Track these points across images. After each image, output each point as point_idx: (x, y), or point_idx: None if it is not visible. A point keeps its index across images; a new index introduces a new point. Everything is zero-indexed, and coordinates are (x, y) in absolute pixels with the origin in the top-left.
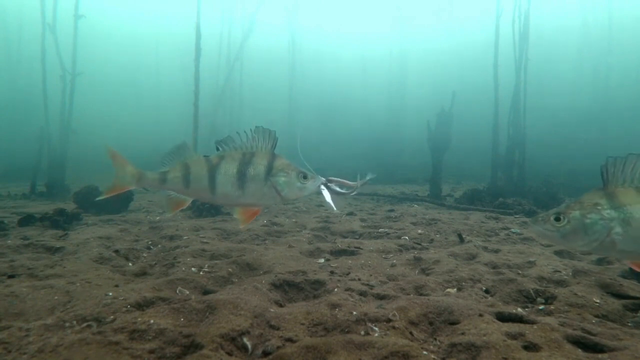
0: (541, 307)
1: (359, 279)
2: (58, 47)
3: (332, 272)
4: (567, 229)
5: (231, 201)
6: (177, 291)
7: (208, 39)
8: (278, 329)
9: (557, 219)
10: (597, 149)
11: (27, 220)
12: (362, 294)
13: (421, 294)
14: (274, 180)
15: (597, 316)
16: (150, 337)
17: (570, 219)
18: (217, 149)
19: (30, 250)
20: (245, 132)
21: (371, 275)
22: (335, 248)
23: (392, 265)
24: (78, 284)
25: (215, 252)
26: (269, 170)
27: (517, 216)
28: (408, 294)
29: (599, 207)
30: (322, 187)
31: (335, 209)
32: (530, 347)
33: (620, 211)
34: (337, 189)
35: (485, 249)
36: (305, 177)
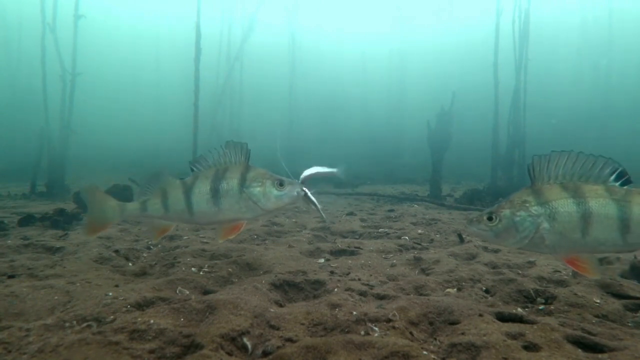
0: (541, 307)
1: (359, 279)
2: (58, 47)
3: (332, 272)
4: (500, 227)
5: (211, 219)
6: (177, 291)
7: (208, 39)
8: (278, 329)
9: (490, 219)
10: (598, 149)
11: (27, 220)
12: (362, 294)
13: (421, 294)
14: (248, 191)
15: (597, 316)
16: (150, 337)
17: (501, 217)
18: (192, 170)
19: (30, 250)
20: (216, 149)
21: (371, 275)
22: (335, 248)
23: (392, 265)
24: (78, 284)
25: (215, 252)
26: (243, 183)
27: None
28: (408, 294)
29: (527, 205)
30: (307, 194)
31: (325, 217)
32: (530, 347)
33: (546, 207)
34: (313, 198)
35: (485, 249)
36: (281, 184)
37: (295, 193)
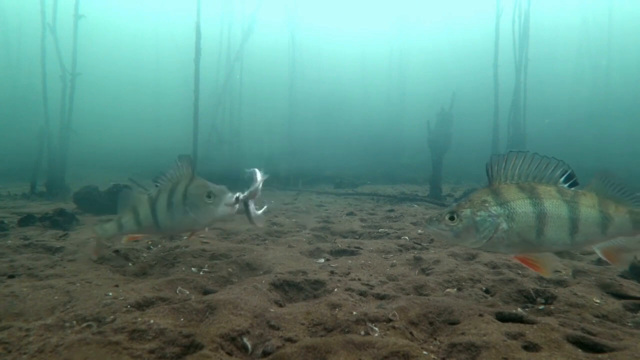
0: (541, 307)
1: (359, 279)
2: (58, 47)
3: (332, 272)
4: (460, 227)
5: (173, 231)
6: (177, 291)
7: (208, 39)
8: (278, 329)
9: (452, 218)
10: (598, 148)
11: (27, 220)
12: (362, 294)
13: (421, 294)
14: (187, 203)
15: (597, 316)
16: (150, 337)
17: (462, 217)
18: (156, 185)
19: (30, 250)
20: (173, 163)
21: (371, 275)
22: (335, 248)
23: (392, 265)
24: (78, 284)
25: (215, 252)
26: (185, 195)
27: None
28: (408, 294)
29: (487, 204)
30: (243, 203)
31: (258, 226)
32: (530, 347)
33: (505, 207)
34: (252, 206)
35: None
36: (209, 196)
37: (228, 205)
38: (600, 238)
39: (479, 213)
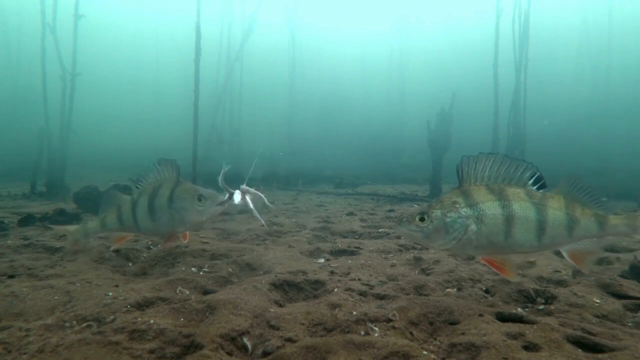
0: (541, 307)
1: (359, 279)
2: (58, 47)
3: (332, 272)
4: (430, 228)
5: (153, 232)
6: (177, 291)
7: (208, 39)
8: (278, 329)
9: (422, 219)
10: (598, 148)
11: (27, 220)
12: (362, 294)
13: (421, 294)
14: (175, 207)
15: (597, 316)
16: (150, 337)
17: (432, 218)
18: (137, 187)
19: (30, 250)
20: (153, 166)
21: (371, 275)
22: (335, 248)
23: (392, 265)
24: (78, 284)
25: (215, 252)
26: (171, 198)
27: None
28: (408, 294)
29: (457, 206)
30: (242, 198)
31: (263, 222)
32: (530, 347)
33: (475, 209)
34: (250, 205)
35: None
36: (200, 199)
37: (216, 206)
38: (567, 240)
39: (449, 214)
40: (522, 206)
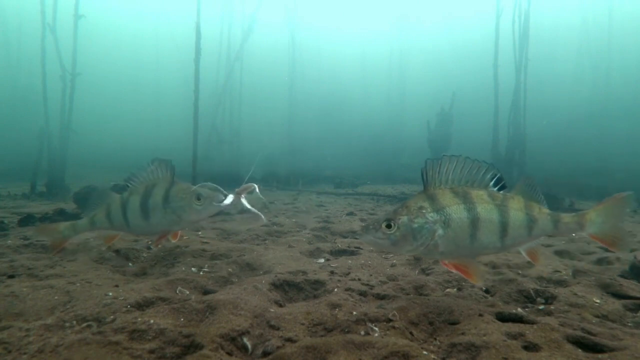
0: (541, 307)
1: (359, 279)
2: (58, 47)
3: (332, 272)
4: (397, 235)
5: (144, 231)
6: (177, 291)
7: (208, 39)
8: (278, 329)
9: (389, 226)
10: (598, 148)
11: (27, 220)
12: (362, 294)
13: (421, 294)
14: (171, 206)
15: (597, 316)
16: (150, 337)
17: (399, 224)
18: (128, 187)
19: (30, 250)
20: (146, 166)
21: (371, 275)
22: (335, 248)
23: (392, 265)
24: (78, 284)
25: (215, 252)
26: (167, 198)
27: None
28: (408, 294)
29: (424, 211)
30: (238, 199)
31: (265, 220)
32: (530, 347)
33: (441, 214)
34: (247, 205)
35: None
36: (199, 198)
37: (213, 205)
38: (526, 240)
39: (416, 220)
40: (486, 208)
